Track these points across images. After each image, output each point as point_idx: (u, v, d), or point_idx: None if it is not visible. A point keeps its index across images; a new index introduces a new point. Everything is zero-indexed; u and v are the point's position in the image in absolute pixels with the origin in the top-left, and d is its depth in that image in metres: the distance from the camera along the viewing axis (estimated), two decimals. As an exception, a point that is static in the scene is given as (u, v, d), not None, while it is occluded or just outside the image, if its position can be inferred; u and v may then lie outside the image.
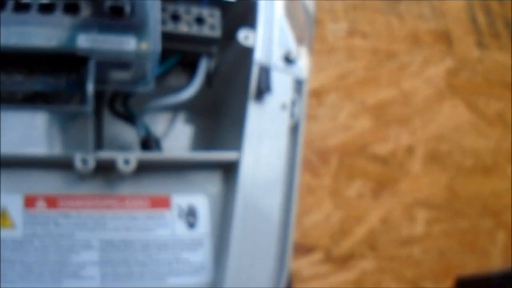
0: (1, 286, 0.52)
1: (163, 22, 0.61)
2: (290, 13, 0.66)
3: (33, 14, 0.54)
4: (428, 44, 1.19)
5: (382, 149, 0.99)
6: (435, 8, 1.24)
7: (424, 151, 1.04)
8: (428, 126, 1.09)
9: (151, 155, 0.59)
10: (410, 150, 1.02)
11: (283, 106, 0.61)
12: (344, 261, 0.85)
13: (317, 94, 0.96)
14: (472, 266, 0.95)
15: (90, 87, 0.54)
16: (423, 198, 0.98)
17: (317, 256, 0.85)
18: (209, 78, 0.66)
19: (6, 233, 0.53)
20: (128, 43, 0.54)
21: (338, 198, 0.90)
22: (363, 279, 0.86)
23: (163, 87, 0.64)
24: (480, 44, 1.24)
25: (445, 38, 1.21)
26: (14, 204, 0.54)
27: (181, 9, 0.62)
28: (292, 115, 0.62)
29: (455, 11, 1.25)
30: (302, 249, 0.84)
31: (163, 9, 0.61)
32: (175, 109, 0.67)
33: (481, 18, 1.27)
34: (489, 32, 1.26)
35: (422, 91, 1.12)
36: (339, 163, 0.88)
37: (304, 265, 0.83)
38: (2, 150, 0.54)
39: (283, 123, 0.61)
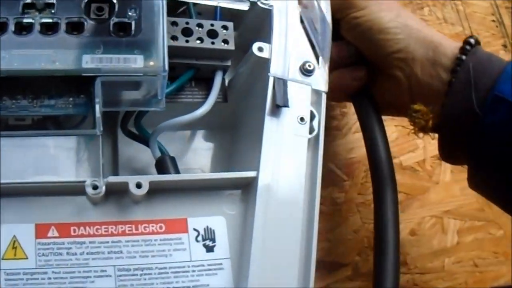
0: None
1: (175, 37, 0.60)
2: (307, 22, 0.65)
3: (36, 36, 0.53)
4: (453, 49, 1.16)
5: (410, 159, 0.96)
6: (460, 12, 1.22)
7: (454, 160, 1.02)
8: (456, 133, 1.07)
9: (164, 178, 0.57)
10: (439, 159, 0.99)
11: (302, 120, 0.59)
12: (374, 277, 0.82)
13: (341, 105, 0.93)
14: (507, 276, 0.93)
15: (97, 109, 0.52)
16: (454, 208, 0.95)
17: (345, 272, 0.83)
18: (224, 92, 0.65)
19: (19, 264, 0.51)
20: (135, 62, 0.53)
21: (366, 212, 0.87)
22: (395, 295, 0.83)
23: (178, 103, 0.63)
24: (507, 47, 1.22)
25: (471, 42, 1.19)
26: (25, 235, 0.52)
27: (192, 23, 0.61)
28: (311, 128, 0.60)
29: (480, 14, 1.23)
30: (330, 267, 0.82)
31: (174, 24, 0.60)
32: (190, 125, 0.65)
33: (507, 20, 1.25)
34: (516, 34, 1.24)
35: (449, 98, 1.10)
36: (365, 175, 0.86)
37: (332, 283, 0.81)
38: (10, 180, 0.52)
39: (302, 137, 0.59)
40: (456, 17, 1.20)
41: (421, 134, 0.71)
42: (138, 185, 0.53)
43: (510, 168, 0.64)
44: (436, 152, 0.73)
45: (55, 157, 0.58)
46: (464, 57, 0.67)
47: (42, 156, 0.57)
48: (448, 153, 0.71)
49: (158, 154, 0.61)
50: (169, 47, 0.55)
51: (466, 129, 0.65)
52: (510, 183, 0.65)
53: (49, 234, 0.52)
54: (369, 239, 0.86)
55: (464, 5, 1.22)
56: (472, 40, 0.69)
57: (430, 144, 1.00)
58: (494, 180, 0.68)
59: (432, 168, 0.98)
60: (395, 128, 0.97)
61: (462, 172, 1.04)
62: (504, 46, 1.21)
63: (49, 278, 0.51)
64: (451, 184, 0.98)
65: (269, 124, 0.58)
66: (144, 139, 0.62)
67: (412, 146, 0.98)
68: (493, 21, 1.23)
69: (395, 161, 0.94)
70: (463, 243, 0.92)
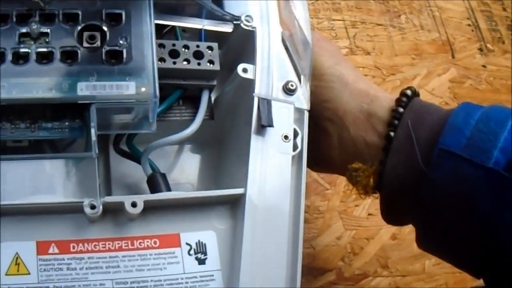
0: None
1: (162, 59, 0.62)
2: (288, 42, 0.67)
3: (32, 65, 0.55)
4: (430, 55, 1.19)
5: (390, 166, 0.99)
6: (436, 18, 1.24)
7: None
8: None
9: (158, 196, 0.59)
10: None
11: (286, 137, 0.61)
12: (357, 280, 0.85)
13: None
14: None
15: (93, 133, 0.55)
16: (433, 212, 0.99)
17: (330, 277, 0.85)
18: (211, 110, 0.67)
19: (21, 280, 0.53)
20: (128, 88, 0.55)
21: (348, 219, 0.90)
22: (378, 298, 0.86)
23: (166, 121, 0.65)
24: (484, 51, 1.24)
25: (447, 48, 1.22)
26: (27, 251, 0.54)
27: (179, 45, 0.63)
28: (295, 145, 0.62)
29: (456, 19, 1.25)
30: (315, 272, 0.84)
31: (162, 46, 0.62)
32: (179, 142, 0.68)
33: (482, 24, 1.28)
34: (492, 37, 1.27)
35: (428, 104, 1.12)
36: (347, 184, 0.89)
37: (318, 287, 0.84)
38: (11, 201, 0.55)
39: (286, 154, 0.61)
40: (433, 23, 1.23)
41: (364, 196, 0.67)
42: (133, 204, 0.55)
43: (461, 224, 0.60)
44: None
45: (52, 177, 0.60)
46: (401, 109, 0.64)
47: (40, 177, 0.59)
48: (392, 214, 0.68)
49: (150, 171, 0.63)
50: (158, 69, 0.58)
51: (410, 187, 0.62)
52: (461, 240, 0.61)
53: (50, 251, 0.55)
54: (352, 245, 0.89)
55: (440, 11, 1.25)
56: (409, 92, 0.66)
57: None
58: (445, 238, 0.63)
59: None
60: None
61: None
62: (480, 49, 1.24)
63: (51, 292, 0.54)
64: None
65: (255, 142, 0.60)
66: (135, 157, 0.64)
67: (391, 153, 1.01)
68: (469, 25, 1.26)
69: (375, 168, 0.97)
70: (443, 245, 0.95)
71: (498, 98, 1.17)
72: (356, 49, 1.13)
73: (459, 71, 1.18)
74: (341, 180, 0.91)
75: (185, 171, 0.70)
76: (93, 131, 0.55)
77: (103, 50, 0.57)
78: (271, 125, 0.61)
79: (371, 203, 0.91)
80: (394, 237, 0.91)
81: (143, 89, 0.55)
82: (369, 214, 0.92)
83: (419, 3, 1.24)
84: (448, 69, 1.17)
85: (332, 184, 0.91)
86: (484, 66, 1.21)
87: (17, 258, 0.54)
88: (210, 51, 0.64)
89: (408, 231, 0.92)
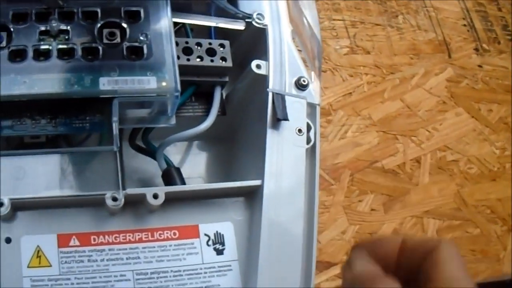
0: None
1: (177, 56, 0.62)
2: (298, 39, 0.68)
3: (54, 61, 0.56)
4: (428, 55, 1.21)
5: (392, 163, 1.01)
6: (432, 18, 1.26)
7: (431, 162, 1.06)
8: (433, 137, 1.11)
9: (179, 188, 0.61)
10: (418, 162, 1.03)
11: (300, 131, 0.63)
12: (363, 274, 0.87)
13: (326, 113, 0.98)
14: (485, 273, 0.97)
15: (115, 127, 0.56)
16: (433, 208, 1.00)
17: (335, 271, 0.87)
18: (223, 106, 0.68)
19: (43, 272, 0.55)
20: (149, 83, 0.56)
21: (352, 214, 0.92)
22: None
23: (180, 117, 0.66)
24: (479, 50, 1.26)
25: (444, 48, 1.23)
26: (48, 244, 0.55)
27: (191, 42, 0.64)
28: (308, 138, 0.64)
29: (452, 19, 1.27)
30: (320, 266, 0.86)
31: (176, 44, 0.63)
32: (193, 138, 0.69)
33: (478, 24, 1.29)
34: (487, 37, 1.28)
35: (426, 102, 1.14)
36: (350, 179, 0.90)
37: (323, 281, 0.85)
38: (33, 194, 0.56)
39: (300, 147, 0.63)
40: (429, 24, 1.25)
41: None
42: (155, 196, 0.57)
43: None
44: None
45: (71, 171, 0.62)
46: None
47: (59, 171, 0.60)
48: None
49: (165, 166, 0.64)
50: (173, 65, 0.59)
51: None
52: None
53: (71, 243, 0.56)
54: (356, 239, 0.90)
55: (436, 11, 1.27)
56: None
57: (409, 148, 1.04)
58: None
59: (412, 171, 1.02)
60: (376, 133, 1.01)
61: (439, 173, 1.09)
62: (476, 49, 1.26)
63: (72, 284, 0.55)
64: (429, 186, 1.02)
65: (271, 136, 0.62)
66: (151, 152, 0.65)
67: (393, 150, 1.02)
68: (465, 25, 1.28)
69: (377, 165, 0.99)
70: (443, 241, 0.96)
71: (495, 98, 1.19)
72: (356, 48, 1.14)
73: (455, 70, 1.20)
74: (345, 176, 0.92)
75: (198, 166, 0.71)
76: (115, 125, 0.56)
77: (124, 46, 0.58)
78: (286, 119, 0.62)
79: (374, 199, 0.93)
80: (396, 232, 0.93)
81: (164, 84, 0.56)
82: (372, 209, 0.93)
83: (415, 4, 1.26)
84: (445, 69, 1.19)
85: (337, 179, 0.93)
86: (480, 66, 1.23)
87: (38, 251, 0.55)
88: (222, 49, 0.65)
89: (409, 226, 0.93)
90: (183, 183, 0.64)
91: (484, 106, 1.19)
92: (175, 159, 0.68)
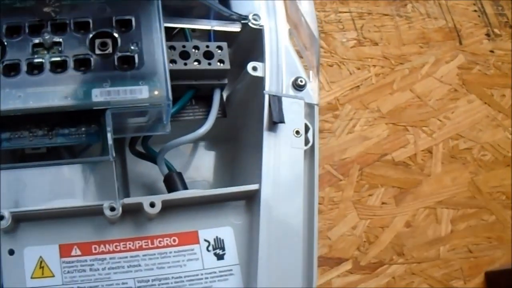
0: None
1: (174, 61, 0.63)
2: (296, 38, 0.68)
3: (47, 74, 0.56)
4: (438, 43, 1.20)
5: (402, 155, 1.00)
6: (442, 5, 1.25)
7: (444, 152, 1.05)
8: (445, 126, 1.10)
9: (175, 196, 0.61)
10: (429, 152, 1.03)
11: (297, 133, 0.63)
12: (373, 269, 0.86)
13: (333, 108, 0.97)
14: (501, 261, 0.96)
15: (109, 137, 0.56)
16: (446, 198, 0.99)
17: (346, 267, 0.87)
18: (223, 108, 0.68)
19: (47, 282, 0.55)
20: (141, 92, 0.56)
21: (362, 209, 0.91)
22: (394, 284, 0.87)
23: (180, 121, 0.66)
24: (491, 35, 1.25)
25: (454, 35, 1.22)
26: (51, 255, 0.56)
27: (189, 46, 0.64)
28: (306, 140, 0.63)
29: (462, 5, 1.26)
30: (331, 262, 0.86)
31: (172, 48, 0.63)
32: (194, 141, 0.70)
33: (489, 9, 1.28)
34: (499, 22, 1.27)
35: (437, 91, 1.13)
36: (360, 173, 0.90)
37: (334, 277, 0.85)
38: (33, 206, 0.56)
39: (298, 149, 0.62)
40: (439, 11, 1.24)
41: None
42: (152, 205, 0.57)
43: None
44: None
45: (71, 182, 0.62)
46: None
47: (59, 182, 0.61)
48: None
49: (166, 171, 0.65)
50: (170, 71, 0.59)
51: None
52: None
53: (73, 253, 0.56)
54: (367, 234, 0.90)
55: (445, -2, 1.26)
56: None
57: (420, 138, 1.04)
58: None
59: (424, 161, 1.02)
60: (385, 126, 1.01)
61: (452, 163, 1.08)
62: (487, 35, 1.25)
63: (75, 293, 0.55)
64: (442, 175, 1.02)
65: (268, 139, 0.62)
66: (151, 157, 0.66)
67: (403, 142, 1.02)
68: (475, 11, 1.27)
69: (387, 157, 0.98)
70: (457, 231, 0.96)
71: (508, 83, 1.18)
72: (364, 40, 1.14)
73: (467, 57, 1.19)
74: (354, 171, 0.92)
75: (201, 169, 0.72)
76: (109, 135, 0.56)
77: (115, 56, 0.58)
78: (282, 121, 0.62)
79: (384, 192, 0.92)
80: (408, 225, 0.93)
81: (156, 93, 0.57)
82: (383, 203, 0.93)
83: (425, -9, 1.25)
84: (456, 56, 1.18)
85: (345, 175, 0.93)
86: (491, 51, 1.22)
87: (41, 262, 0.56)
88: (219, 51, 0.65)
89: (422, 217, 0.93)
90: (185, 187, 0.64)
91: (496, 91, 1.18)
92: (179, 161, 0.68)
